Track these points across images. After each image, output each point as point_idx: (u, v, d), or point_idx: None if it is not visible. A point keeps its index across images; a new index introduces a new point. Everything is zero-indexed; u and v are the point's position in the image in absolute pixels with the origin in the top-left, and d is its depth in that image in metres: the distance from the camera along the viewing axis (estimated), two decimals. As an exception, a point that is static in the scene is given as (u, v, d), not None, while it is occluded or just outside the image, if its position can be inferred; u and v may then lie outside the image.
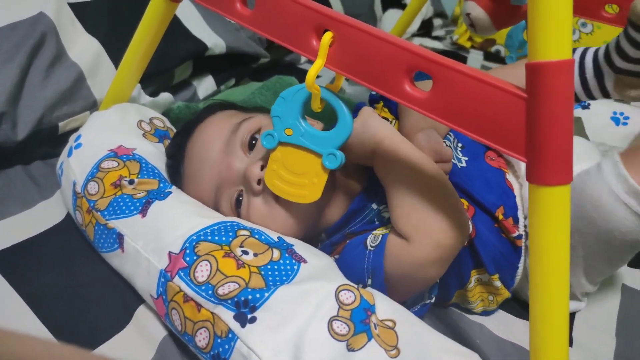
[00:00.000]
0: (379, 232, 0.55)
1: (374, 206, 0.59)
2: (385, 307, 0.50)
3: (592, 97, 0.64)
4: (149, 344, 0.51)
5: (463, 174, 0.63)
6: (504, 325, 0.62)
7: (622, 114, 0.86)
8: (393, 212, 0.54)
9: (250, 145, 0.58)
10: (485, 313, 0.64)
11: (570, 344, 0.61)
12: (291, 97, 0.52)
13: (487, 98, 0.38)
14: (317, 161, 0.52)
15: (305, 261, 0.52)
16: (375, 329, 0.46)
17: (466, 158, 0.65)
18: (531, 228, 0.38)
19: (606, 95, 0.63)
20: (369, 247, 0.54)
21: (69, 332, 0.50)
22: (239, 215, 0.58)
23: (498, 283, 0.61)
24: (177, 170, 0.62)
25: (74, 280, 0.56)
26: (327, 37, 0.46)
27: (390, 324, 0.49)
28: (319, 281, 0.49)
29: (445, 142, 0.65)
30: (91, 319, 0.53)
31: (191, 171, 0.60)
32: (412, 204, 0.52)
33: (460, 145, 0.68)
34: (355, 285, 0.50)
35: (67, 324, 0.52)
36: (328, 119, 0.54)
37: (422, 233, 0.51)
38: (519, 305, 0.65)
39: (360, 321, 0.46)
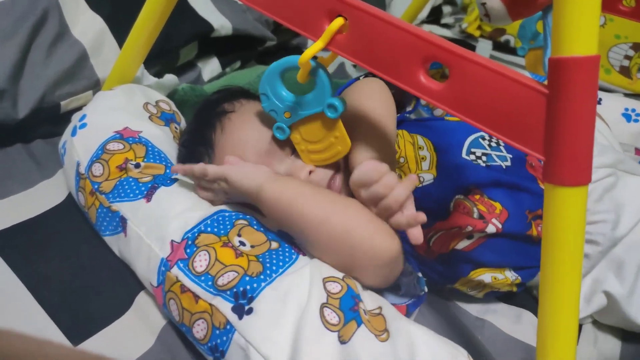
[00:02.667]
0: None
1: None
2: (369, 297, 0.50)
3: None
4: (150, 330, 0.51)
5: (508, 175, 0.59)
6: (507, 320, 0.62)
7: (633, 110, 0.84)
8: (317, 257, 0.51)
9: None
10: (492, 294, 0.63)
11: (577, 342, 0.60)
12: (269, 87, 0.53)
13: (506, 92, 0.37)
14: (325, 119, 0.52)
15: (304, 253, 0.52)
16: (365, 314, 0.47)
17: (510, 155, 0.61)
18: (545, 228, 0.37)
19: None
20: None
21: (68, 316, 0.50)
22: None
23: (501, 276, 0.59)
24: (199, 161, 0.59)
25: (75, 263, 0.55)
26: (338, 22, 0.44)
27: (377, 310, 0.49)
28: (307, 271, 0.49)
29: (475, 152, 0.61)
30: (91, 303, 0.52)
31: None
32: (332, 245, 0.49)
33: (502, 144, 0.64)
34: (340, 276, 0.49)
35: (67, 308, 0.51)
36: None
37: (357, 265, 0.49)
38: (522, 300, 0.64)
39: (349, 308, 0.46)
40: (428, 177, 0.59)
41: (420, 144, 0.62)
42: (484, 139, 0.62)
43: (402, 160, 0.61)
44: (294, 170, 0.56)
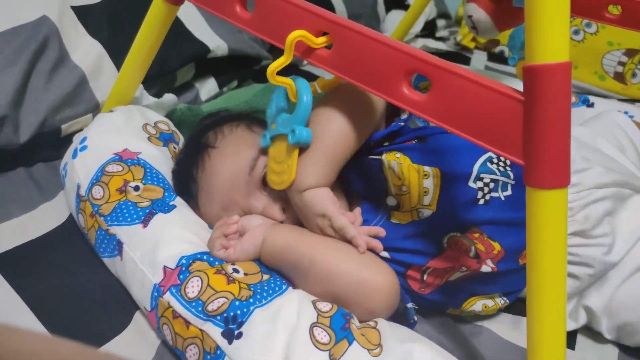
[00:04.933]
0: None
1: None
2: None
3: None
4: (149, 346, 0.52)
5: (506, 210, 0.56)
6: (504, 326, 0.62)
7: (626, 112, 0.85)
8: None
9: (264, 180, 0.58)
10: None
11: (573, 348, 0.60)
12: (275, 96, 0.55)
13: (485, 101, 0.38)
14: (289, 144, 0.52)
15: (294, 286, 0.53)
16: (358, 329, 0.47)
17: (513, 182, 0.57)
18: (528, 231, 0.38)
19: None
20: None
21: (69, 334, 0.50)
22: None
23: (491, 302, 0.60)
24: (188, 194, 0.62)
25: (75, 283, 0.56)
26: (293, 35, 0.46)
27: (372, 323, 0.49)
28: (297, 294, 0.50)
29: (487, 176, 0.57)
30: (92, 321, 0.53)
31: (208, 206, 0.60)
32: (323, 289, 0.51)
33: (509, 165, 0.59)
34: None
35: (68, 326, 0.52)
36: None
37: (353, 306, 0.51)
38: (520, 309, 0.64)
39: (340, 328, 0.47)
40: (427, 213, 0.56)
41: (426, 171, 0.56)
42: (492, 162, 0.57)
43: (404, 189, 0.56)
44: (268, 206, 0.58)
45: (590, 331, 0.62)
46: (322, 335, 0.46)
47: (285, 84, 0.51)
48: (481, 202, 0.55)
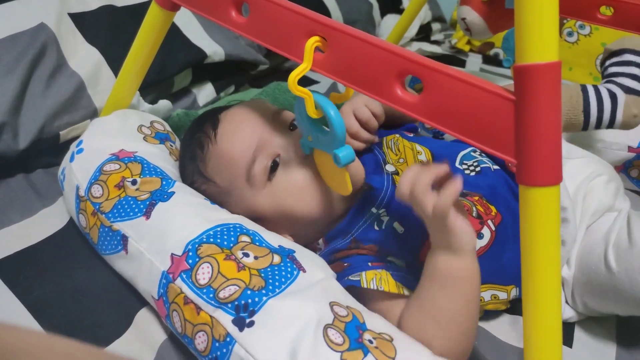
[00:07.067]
0: (378, 275, 0.54)
1: (374, 210, 0.60)
2: (376, 322, 0.50)
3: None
4: (149, 347, 0.52)
5: (497, 178, 0.63)
6: (502, 327, 0.62)
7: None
8: (409, 311, 0.51)
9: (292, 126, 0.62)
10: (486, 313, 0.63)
11: (570, 346, 0.60)
12: (302, 109, 0.52)
13: (477, 101, 0.39)
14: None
15: (304, 270, 0.52)
16: (372, 342, 0.46)
17: (497, 167, 0.66)
18: (522, 229, 0.39)
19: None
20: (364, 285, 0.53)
21: (70, 338, 0.51)
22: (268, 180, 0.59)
23: (503, 295, 0.60)
24: (207, 133, 0.62)
25: (75, 287, 0.57)
26: (312, 40, 0.47)
27: (387, 337, 0.48)
28: (315, 291, 0.50)
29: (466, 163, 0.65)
30: (92, 324, 0.54)
31: (229, 129, 0.61)
32: (435, 317, 0.49)
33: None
34: (345, 305, 0.50)
35: (69, 330, 0.52)
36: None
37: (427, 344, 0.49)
38: (518, 309, 0.65)
39: (354, 339, 0.46)
40: None
41: (419, 150, 0.66)
42: (475, 151, 0.66)
43: (401, 160, 0.65)
44: (295, 143, 0.59)
45: (588, 329, 0.62)
46: (336, 336, 0.45)
47: (304, 94, 0.50)
48: (472, 174, 0.63)
